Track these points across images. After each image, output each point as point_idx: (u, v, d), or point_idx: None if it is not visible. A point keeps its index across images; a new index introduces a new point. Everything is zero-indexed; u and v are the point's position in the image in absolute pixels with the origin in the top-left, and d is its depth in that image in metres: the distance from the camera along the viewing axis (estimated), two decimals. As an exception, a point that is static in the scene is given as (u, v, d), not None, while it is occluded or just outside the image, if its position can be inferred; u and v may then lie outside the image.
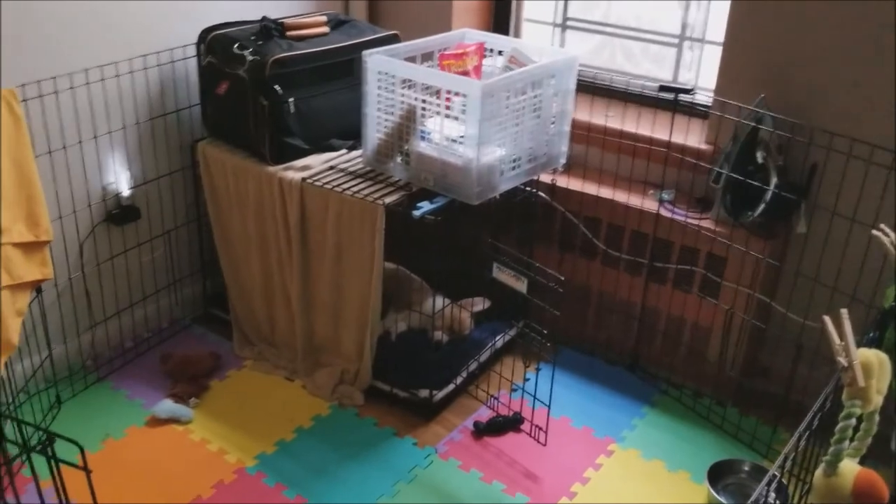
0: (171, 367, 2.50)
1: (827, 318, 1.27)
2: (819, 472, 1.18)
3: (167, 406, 2.35)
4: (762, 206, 2.28)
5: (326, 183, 2.33)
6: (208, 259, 2.76)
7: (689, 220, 2.41)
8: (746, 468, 2.26)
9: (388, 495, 2.14)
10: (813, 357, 2.25)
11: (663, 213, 2.46)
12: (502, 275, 2.24)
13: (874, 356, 1.19)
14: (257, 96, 2.35)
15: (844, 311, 1.24)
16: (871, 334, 1.49)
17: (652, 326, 2.60)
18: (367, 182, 2.37)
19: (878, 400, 1.16)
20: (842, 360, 1.16)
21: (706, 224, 2.40)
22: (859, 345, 1.40)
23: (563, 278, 2.13)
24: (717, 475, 2.21)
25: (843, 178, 2.13)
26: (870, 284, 2.07)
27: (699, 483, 2.21)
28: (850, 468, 1.18)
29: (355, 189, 2.31)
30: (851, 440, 1.19)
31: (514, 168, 2.33)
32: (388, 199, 2.27)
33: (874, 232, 1.46)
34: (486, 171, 2.22)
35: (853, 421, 1.14)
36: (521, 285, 2.18)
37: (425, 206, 2.24)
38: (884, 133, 2.11)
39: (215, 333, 2.75)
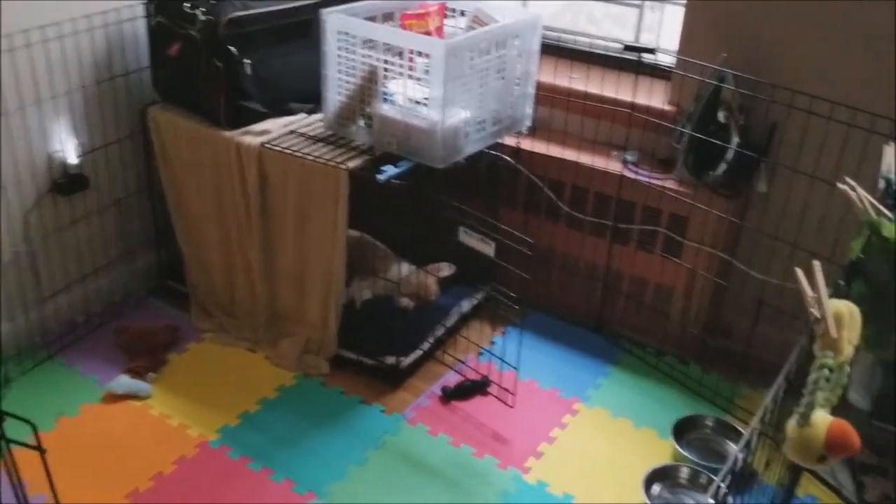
0: (127, 340, 2.43)
1: (799, 271, 1.27)
2: (792, 424, 1.20)
3: (124, 381, 2.29)
4: (724, 166, 2.29)
5: (287, 148, 2.27)
6: (162, 229, 2.68)
7: (653, 181, 2.41)
8: (710, 423, 2.30)
9: (356, 463, 2.13)
10: (774, 314, 2.29)
11: (627, 174, 2.45)
12: (469, 239, 2.22)
13: (845, 307, 1.20)
14: (211, 58, 2.27)
15: (817, 264, 1.25)
16: (839, 285, 1.51)
17: (615, 287, 2.61)
18: (329, 146, 2.31)
19: (849, 351, 1.18)
20: (814, 311, 1.17)
21: (669, 184, 2.40)
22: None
23: (531, 241, 2.12)
24: (682, 431, 2.25)
25: (804, 135, 2.14)
26: (830, 240, 2.10)
27: (664, 439, 2.24)
28: (822, 419, 1.19)
29: (317, 154, 2.25)
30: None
31: (479, 131, 2.30)
32: (351, 164, 2.22)
33: (839, 185, 1.47)
34: (451, 133, 2.19)
35: (826, 372, 1.15)
36: (489, 249, 2.16)
37: (390, 170, 2.19)
38: (843, 90, 2.13)
39: (172, 306, 2.67)
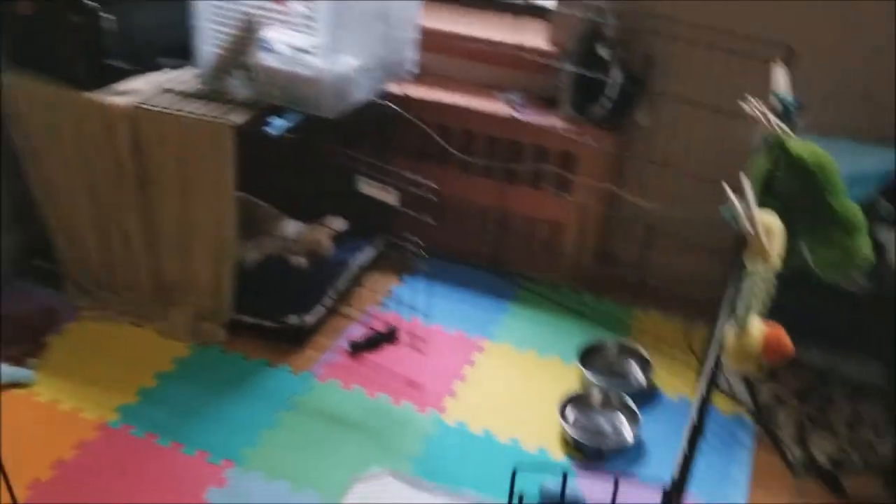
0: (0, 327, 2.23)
1: (726, 185, 1.34)
2: (730, 334, 1.26)
3: (3, 370, 2.10)
4: (606, 101, 2.35)
5: (163, 107, 2.12)
6: (25, 205, 2.44)
7: (539, 121, 2.45)
8: (612, 347, 2.40)
9: (269, 426, 2.07)
10: (662, 241, 2.40)
11: (514, 115, 2.47)
12: (370, 188, 2.17)
13: (772, 219, 1.27)
14: (67, 13, 2.07)
15: (746, 178, 1.31)
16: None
17: (509, 227, 2.65)
18: (208, 102, 2.17)
19: (777, 261, 1.25)
20: (746, 224, 1.23)
21: (555, 123, 2.45)
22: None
23: (435, 186, 2.10)
24: (586, 356, 2.34)
25: (686, 64, 2.23)
26: (714, 166, 2.21)
27: (570, 365, 2.32)
28: (757, 327, 1.26)
29: (195, 110, 2.12)
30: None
31: (366, 78, 2.24)
32: (236, 119, 2.10)
33: (741, 103, 1.55)
34: (340, 81, 2.12)
35: (758, 281, 1.22)
36: (391, 197, 2.13)
37: (278, 122, 2.10)
38: (722, 17, 2.21)
39: (43, 286, 2.46)
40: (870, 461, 2.07)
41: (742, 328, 1.23)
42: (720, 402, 2.24)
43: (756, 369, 1.30)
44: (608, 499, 1.88)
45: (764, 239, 1.20)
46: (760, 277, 1.21)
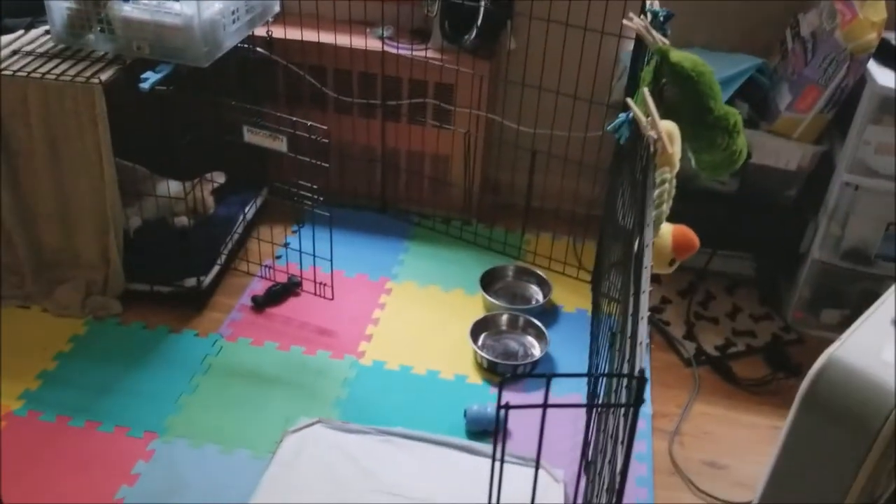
0: None
1: (629, 100, 1.41)
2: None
3: None
4: (476, 28, 2.38)
5: (18, 71, 1.97)
6: None
7: (413, 53, 2.45)
8: (510, 271, 2.49)
9: (187, 392, 2.02)
10: (545, 162, 2.49)
11: (387, 50, 2.46)
12: (255, 137, 2.11)
13: (672, 126, 1.35)
14: None
15: (646, 90, 1.39)
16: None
17: (394, 165, 2.66)
18: (68, 62, 2.04)
19: (678, 164, 1.34)
20: (651, 133, 1.30)
21: (430, 54, 2.46)
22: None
23: (325, 128, 2.07)
24: (488, 283, 2.41)
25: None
26: (589, 84, 2.30)
27: (474, 294, 2.39)
28: (667, 228, 1.36)
29: (58, 72, 1.98)
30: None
31: (234, 21, 2.16)
32: (102, 77, 1.98)
33: (625, 21, 1.62)
34: (210, 27, 2.04)
35: (667, 186, 1.31)
36: (280, 144, 2.08)
37: (151, 76, 2.00)
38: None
39: None
40: (752, 346, 2.28)
41: (656, 231, 1.32)
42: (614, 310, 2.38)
43: (668, 267, 1.40)
44: (527, 414, 1.98)
45: (668, 145, 1.29)
46: (668, 183, 1.30)
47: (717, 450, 1.97)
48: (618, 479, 0.99)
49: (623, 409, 0.99)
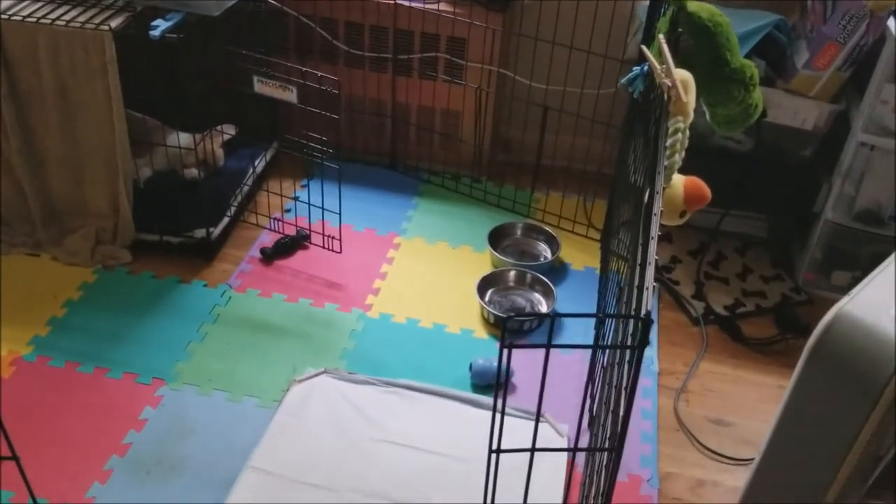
0: None
1: (643, 47, 1.38)
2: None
3: None
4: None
5: (28, 17, 1.95)
6: None
7: (426, 6, 2.41)
8: (518, 229, 2.48)
9: (196, 340, 2.03)
10: (557, 119, 2.46)
11: (399, 2, 2.43)
12: (266, 87, 2.10)
13: (687, 74, 1.33)
14: None
15: (662, 37, 1.36)
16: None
17: (405, 120, 2.64)
18: (78, 9, 2.03)
19: (692, 114, 1.32)
20: (665, 81, 1.28)
21: (443, 7, 2.42)
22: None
23: (336, 79, 2.06)
24: (496, 240, 2.40)
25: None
26: (603, 39, 2.27)
27: (481, 251, 2.39)
28: (678, 179, 1.34)
29: (67, 18, 1.97)
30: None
31: (245, -30, 2.13)
32: (112, 24, 1.97)
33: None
34: (221, -25, 2.01)
35: (680, 136, 1.29)
36: (290, 95, 2.07)
37: (161, 24, 1.98)
38: None
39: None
40: (762, 306, 2.27)
41: (668, 181, 1.30)
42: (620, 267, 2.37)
43: (679, 219, 1.39)
44: (532, 369, 1.99)
45: (682, 94, 1.27)
46: (681, 132, 1.28)
47: (722, 407, 1.98)
48: (619, 424, 0.99)
49: (628, 353, 0.98)
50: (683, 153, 1.32)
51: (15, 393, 1.84)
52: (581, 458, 1.78)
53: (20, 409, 1.80)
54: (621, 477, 1.78)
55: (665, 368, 2.07)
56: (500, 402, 0.91)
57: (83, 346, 1.97)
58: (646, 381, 2.02)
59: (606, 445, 1.19)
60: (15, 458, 0.91)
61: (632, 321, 0.99)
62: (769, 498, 1.49)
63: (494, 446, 0.97)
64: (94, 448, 1.73)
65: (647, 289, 0.97)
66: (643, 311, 0.92)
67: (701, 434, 1.90)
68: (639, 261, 1.07)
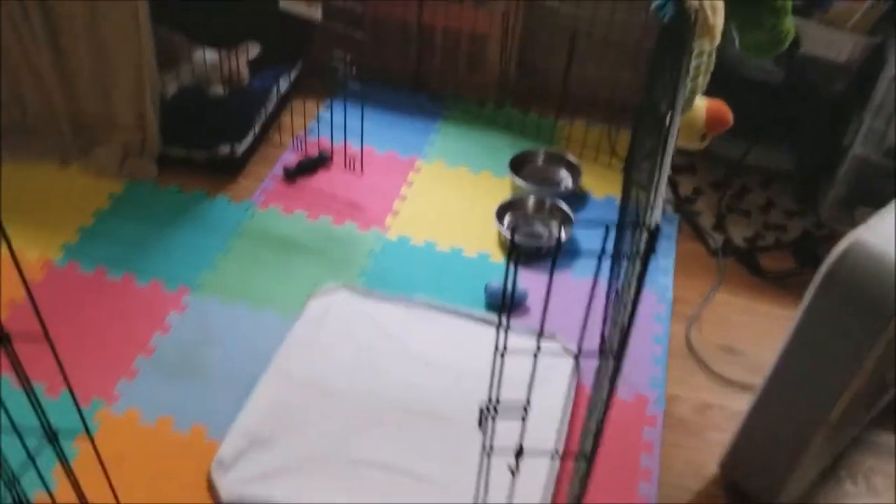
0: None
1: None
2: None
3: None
4: None
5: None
6: None
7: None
8: (540, 156, 2.48)
9: (220, 252, 2.08)
10: (583, 48, 2.43)
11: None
12: (290, 4, 2.09)
13: (716, -3, 1.32)
14: None
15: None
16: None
17: (430, 43, 2.62)
18: (107, -83, 2.01)
19: (719, 38, 1.31)
20: (694, 2, 1.27)
21: (473, -73, 2.38)
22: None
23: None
24: (518, 166, 2.41)
25: None
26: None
27: (502, 177, 2.40)
28: (701, 101, 1.34)
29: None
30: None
31: None
32: (140, -66, 1.96)
33: None
34: None
35: (705, 58, 1.28)
36: (315, 12, 2.06)
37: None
38: None
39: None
40: (781, 240, 2.27)
41: (689, 104, 1.30)
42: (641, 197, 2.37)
43: (700, 142, 1.39)
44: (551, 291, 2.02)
45: (711, 16, 1.26)
46: (706, 55, 1.28)
47: (735, 336, 2.00)
48: (625, 327, 1.01)
49: (638, 260, 1.00)
50: (708, 77, 1.32)
51: (46, 295, 1.91)
52: (589, 379, 1.82)
53: (51, 310, 1.87)
54: (628, 397, 1.82)
55: (680, 297, 2.09)
56: (504, 328, 0.94)
57: (112, 254, 2.03)
58: (659, 308, 2.04)
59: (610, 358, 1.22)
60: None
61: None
62: (771, 421, 1.53)
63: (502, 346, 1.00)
64: (121, 348, 1.80)
65: (659, 195, 0.98)
66: (653, 222, 0.94)
67: (711, 360, 1.93)
68: (653, 166, 1.07)
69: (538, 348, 1.01)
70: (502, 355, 0.99)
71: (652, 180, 1.05)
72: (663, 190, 1.01)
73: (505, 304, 0.84)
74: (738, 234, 2.27)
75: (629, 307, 0.97)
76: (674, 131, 1.02)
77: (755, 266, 2.18)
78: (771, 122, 2.26)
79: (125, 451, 1.61)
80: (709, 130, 1.35)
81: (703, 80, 1.28)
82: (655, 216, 0.96)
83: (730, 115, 1.35)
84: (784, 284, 2.14)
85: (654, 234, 0.91)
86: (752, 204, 2.37)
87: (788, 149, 2.46)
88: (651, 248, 0.92)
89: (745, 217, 2.32)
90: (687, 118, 1.32)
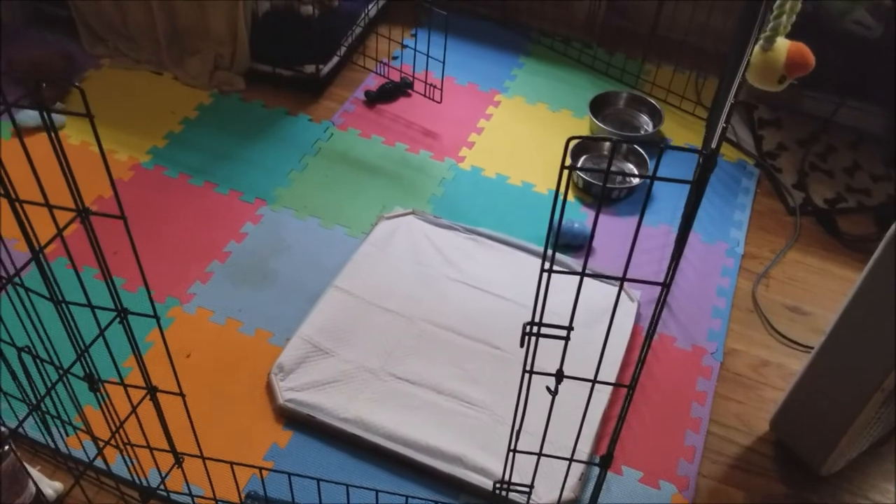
0: (24, 72, 2.23)
1: None
2: (756, 49, 1.30)
3: (33, 113, 2.13)
4: None
5: None
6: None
7: None
8: (622, 98, 2.44)
9: (297, 169, 2.15)
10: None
11: None
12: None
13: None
14: None
15: None
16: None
17: (522, -23, 2.59)
18: None
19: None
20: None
21: None
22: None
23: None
24: (598, 108, 2.38)
25: None
26: None
27: (581, 118, 2.38)
28: (782, 42, 1.30)
29: None
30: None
31: None
32: None
33: None
34: None
35: (791, -2, 1.24)
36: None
37: None
38: None
39: (56, 33, 2.44)
40: (864, 204, 2.19)
41: (770, 43, 1.27)
42: (726, 150, 2.32)
43: (777, 84, 1.35)
44: (614, 236, 2.01)
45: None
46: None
47: (803, 297, 1.96)
48: (675, 256, 1.02)
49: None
50: (793, 17, 1.28)
51: (133, 193, 2.01)
52: (646, 320, 1.83)
53: (135, 209, 1.97)
54: (685, 346, 1.82)
55: (750, 252, 2.06)
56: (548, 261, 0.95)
57: (196, 161, 2.12)
58: (727, 261, 2.01)
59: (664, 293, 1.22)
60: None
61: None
62: (826, 382, 1.51)
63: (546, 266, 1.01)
64: (198, 251, 1.90)
65: (720, 125, 0.97)
66: (712, 145, 0.93)
67: (774, 318, 1.90)
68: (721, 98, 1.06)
69: (584, 269, 1.02)
70: (549, 273, 1.01)
71: (716, 107, 1.04)
72: (725, 117, 1.00)
73: (551, 227, 0.84)
74: (819, 194, 2.20)
75: (680, 234, 0.97)
76: (744, 61, 1.01)
77: (833, 228, 2.12)
78: (865, 81, 2.16)
79: (193, 345, 1.71)
80: (788, 72, 1.31)
81: (786, 20, 1.24)
82: (714, 141, 0.96)
83: (811, 59, 1.31)
84: (861, 249, 2.08)
85: (709, 159, 0.91)
86: (837, 164, 2.29)
87: (881, 109, 2.35)
88: (705, 175, 0.92)
89: (828, 177, 2.25)
90: (767, 57, 1.29)
